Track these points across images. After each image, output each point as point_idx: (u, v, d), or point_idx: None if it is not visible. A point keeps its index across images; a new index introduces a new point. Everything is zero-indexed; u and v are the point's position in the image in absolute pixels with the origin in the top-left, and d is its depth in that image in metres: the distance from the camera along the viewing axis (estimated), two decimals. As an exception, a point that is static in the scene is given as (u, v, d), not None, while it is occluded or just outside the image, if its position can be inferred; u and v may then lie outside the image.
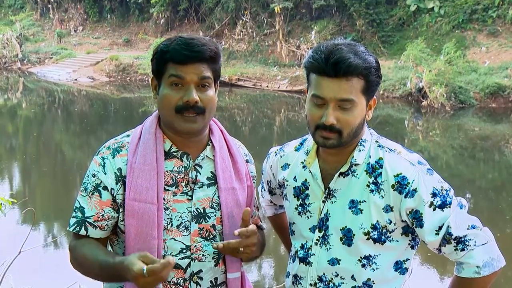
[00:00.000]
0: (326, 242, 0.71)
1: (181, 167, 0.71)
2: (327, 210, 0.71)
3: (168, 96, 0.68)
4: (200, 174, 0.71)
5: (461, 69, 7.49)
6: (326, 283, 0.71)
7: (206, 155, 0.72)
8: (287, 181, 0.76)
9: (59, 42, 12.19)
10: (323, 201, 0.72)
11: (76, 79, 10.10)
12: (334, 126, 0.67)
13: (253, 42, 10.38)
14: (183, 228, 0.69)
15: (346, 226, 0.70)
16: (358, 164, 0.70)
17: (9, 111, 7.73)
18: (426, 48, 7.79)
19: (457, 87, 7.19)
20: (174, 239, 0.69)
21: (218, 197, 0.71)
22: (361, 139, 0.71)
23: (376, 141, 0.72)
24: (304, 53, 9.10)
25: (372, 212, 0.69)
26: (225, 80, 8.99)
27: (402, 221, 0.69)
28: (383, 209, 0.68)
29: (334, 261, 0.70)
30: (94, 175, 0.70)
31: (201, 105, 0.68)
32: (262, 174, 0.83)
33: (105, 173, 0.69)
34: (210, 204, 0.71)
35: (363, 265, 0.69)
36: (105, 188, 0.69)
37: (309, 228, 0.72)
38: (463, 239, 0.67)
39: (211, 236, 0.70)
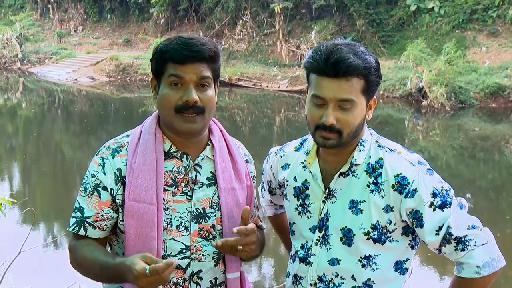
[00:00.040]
0: (326, 242, 0.71)
1: (180, 167, 0.71)
2: (327, 210, 0.71)
3: (168, 96, 0.68)
4: (200, 174, 0.71)
5: (461, 69, 7.49)
6: (326, 283, 0.71)
7: (206, 155, 0.72)
8: (287, 181, 0.76)
9: (59, 42, 12.19)
10: (323, 201, 0.72)
11: (76, 79, 10.10)
12: (334, 126, 0.67)
13: (253, 42, 10.38)
14: (183, 228, 0.69)
15: (346, 226, 0.70)
16: (358, 164, 0.70)
17: (9, 111, 7.73)
18: (426, 48, 7.78)
19: (457, 87, 7.18)
20: (174, 239, 0.69)
21: (218, 197, 0.71)
22: (361, 139, 0.71)
23: (376, 141, 0.72)
24: (304, 53, 9.09)
25: (372, 212, 0.69)
26: (225, 80, 8.99)
27: (402, 221, 0.69)
28: (383, 209, 0.68)
29: (334, 261, 0.70)
30: (93, 175, 0.70)
31: (201, 105, 0.68)
32: (262, 174, 0.83)
33: (105, 173, 0.69)
34: (210, 204, 0.71)
35: (363, 265, 0.69)
36: (105, 188, 0.69)
37: (309, 228, 0.73)
38: (463, 239, 0.67)
39: (211, 236, 0.70)
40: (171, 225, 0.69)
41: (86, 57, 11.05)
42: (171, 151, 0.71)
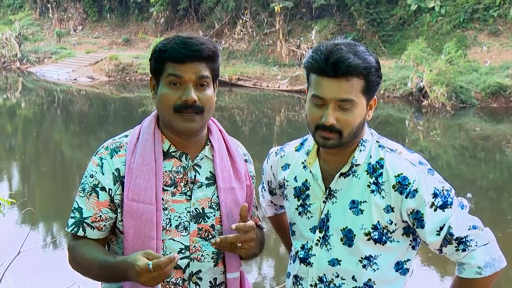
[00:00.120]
0: (326, 243, 0.71)
1: (179, 167, 0.70)
2: (328, 211, 0.71)
3: (167, 95, 0.68)
4: (199, 174, 0.71)
5: (462, 68, 7.48)
6: (327, 283, 0.71)
7: (205, 155, 0.72)
8: (287, 181, 0.76)
9: (58, 42, 12.18)
10: (324, 202, 0.71)
11: (75, 79, 10.09)
12: (334, 127, 0.67)
13: (253, 41, 10.37)
14: (182, 228, 0.69)
15: (346, 227, 0.69)
16: (359, 165, 0.70)
17: (8, 110, 7.73)
18: (427, 47, 7.76)
19: (458, 87, 7.17)
20: (173, 240, 0.68)
21: (217, 197, 0.71)
22: (362, 139, 0.71)
23: (377, 141, 0.72)
24: (305, 53, 9.08)
25: (373, 212, 0.68)
26: (225, 79, 9.00)
27: (403, 221, 0.69)
28: (384, 209, 0.68)
29: (334, 262, 0.70)
30: (92, 176, 0.69)
31: (200, 105, 0.68)
32: (263, 174, 0.83)
33: (103, 174, 0.69)
34: (209, 204, 0.71)
35: (364, 266, 0.69)
36: (103, 188, 0.69)
37: (310, 229, 0.72)
38: (464, 239, 0.67)
39: (210, 236, 0.70)
40: (170, 225, 0.68)
41: (85, 56, 11.04)
42: (170, 151, 0.71)
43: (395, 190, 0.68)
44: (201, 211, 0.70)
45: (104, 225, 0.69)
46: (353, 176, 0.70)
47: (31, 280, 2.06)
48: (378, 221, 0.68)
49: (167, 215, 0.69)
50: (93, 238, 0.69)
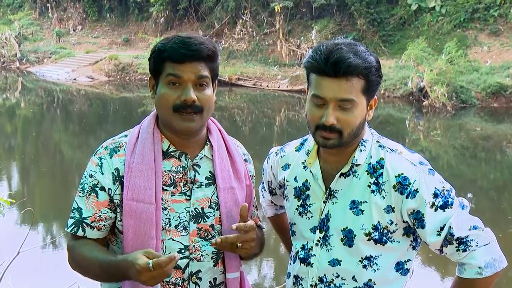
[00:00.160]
0: (326, 243, 0.71)
1: (179, 167, 0.70)
2: (328, 211, 0.71)
3: (166, 95, 0.68)
4: (199, 173, 0.71)
5: (463, 68, 7.46)
6: (327, 284, 0.71)
7: (205, 155, 0.72)
8: (287, 181, 0.76)
9: (58, 42, 12.16)
10: (324, 202, 0.71)
11: (75, 79, 10.09)
12: (334, 126, 0.66)
13: (253, 41, 10.37)
14: (182, 228, 0.69)
15: (347, 227, 0.69)
16: (359, 165, 0.70)
17: (8, 110, 7.71)
18: (427, 47, 7.76)
19: (458, 87, 7.17)
20: (173, 239, 0.68)
21: (217, 196, 0.71)
22: (362, 139, 0.71)
23: (377, 141, 0.72)
24: (305, 53, 9.06)
25: (373, 212, 0.68)
26: (225, 79, 9.01)
27: (404, 221, 0.69)
28: (384, 209, 0.68)
29: (335, 262, 0.70)
30: (91, 176, 0.69)
31: (199, 104, 0.68)
32: (263, 174, 0.83)
33: (102, 173, 0.69)
34: (209, 204, 0.71)
35: (364, 266, 0.69)
36: (102, 188, 0.68)
37: (310, 229, 0.72)
38: (465, 239, 0.67)
39: (210, 236, 0.70)
40: (170, 225, 0.68)
41: (85, 56, 11.03)
42: (170, 150, 0.71)
43: (395, 190, 0.67)
44: (201, 211, 0.70)
45: (104, 225, 0.69)
46: (353, 176, 0.70)
47: (30, 280, 2.06)
48: (379, 221, 0.68)
49: (166, 215, 0.68)
50: (92, 238, 0.68)
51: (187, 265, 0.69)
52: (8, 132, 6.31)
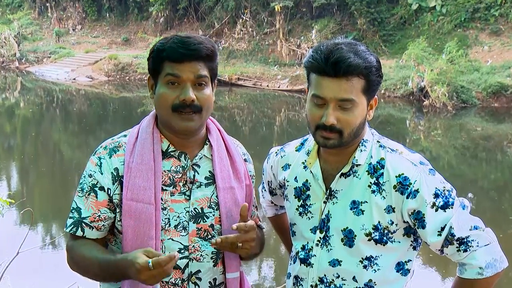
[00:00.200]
0: (327, 243, 0.70)
1: (178, 166, 0.70)
2: (328, 211, 0.71)
3: (165, 94, 0.68)
4: (198, 173, 0.71)
5: (463, 68, 7.45)
6: (327, 284, 0.71)
7: (204, 155, 0.72)
8: (288, 181, 0.76)
9: (57, 41, 12.14)
10: (324, 202, 0.71)
11: (74, 79, 10.07)
12: (335, 126, 0.66)
13: (253, 41, 10.36)
14: (181, 228, 0.69)
15: (347, 227, 0.69)
16: (359, 165, 0.70)
17: (7, 110, 7.71)
18: (427, 47, 7.74)
19: (459, 87, 7.16)
20: (172, 239, 0.68)
21: (217, 196, 0.71)
22: (363, 139, 0.71)
23: (378, 141, 0.71)
24: (305, 52, 9.08)
25: (374, 213, 0.68)
26: (225, 79, 8.99)
27: (404, 222, 0.69)
28: (384, 209, 0.68)
29: (335, 262, 0.70)
30: (90, 175, 0.69)
31: (198, 104, 0.68)
32: (263, 174, 0.83)
33: (102, 173, 0.69)
34: (209, 204, 0.71)
35: (365, 266, 0.69)
36: (102, 188, 0.68)
37: (310, 229, 0.72)
38: (465, 240, 0.67)
39: (210, 236, 0.70)
40: (169, 225, 0.68)
41: (84, 56, 11.01)
42: (169, 150, 0.70)
43: (396, 191, 0.67)
44: (200, 211, 0.70)
45: (103, 225, 0.68)
46: (353, 176, 0.70)
47: (30, 280, 2.07)
48: (379, 222, 0.68)
49: (166, 215, 0.68)
50: (92, 238, 0.68)
51: (187, 265, 0.69)
52: (7, 132, 6.30)
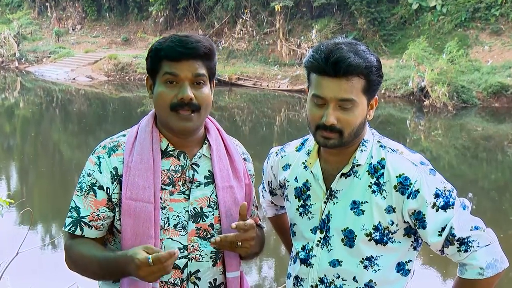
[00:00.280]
0: (327, 243, 0.70)
1: (178, 166, 0.70)
2: (329, 211, 0.70)
3: (163, 93, 0.68)
4: (198, 173, 0.71)
5: (464, 68, 7.45)
6: (328, 284, 0.70)
7: (203, 154, 0.72)
8: (288, 181, 0.75)
9: (57, 41, 12.13)
10: (325, 202, 0.71)
11: (74, 78, 10.06)
12: (335, 126, 0.66)
13: (253, 41, 10.36)
14: (180, 228, 0.68)
15: (347, 227, 0.69)
16: (360, 165, 0.70)
17: (7, 110, 7.70)
18: (428, 47, 7.74)
19: (459, 87, 7.15)
20: (171, 239, 0.68)
21: (216, 196, 0.71)
22: (363, 139, 0.71)
23: (378, 141, 0.71)
24: (305, 52, 9.08)
25: (374, 213, 0.68)
26: (225, 79, 8.99)
27: (405, 222, 0.69)
28: (385, 210, 0.68)
29: (335, 263, 0.70)
30: (89, 175, 0.69)
31: (196, 103, 0.68)
32: (263, 174, 0.83)
33: (101, 172, 0.68)
34: (208, 203, 0.70)
35: (365, 267, 0.69)
36: (101, 187, 0.68)
37: (311, 229, 0.72)
38: (466, 240, 0.67)
39: (209, 236, 0.70)
40: (169, 224, 0.68)
41: (84, 56, 11.00)
42: (168, 150, 0.70)
43: (396, 191, 0.67)
44: (200, 210, 0.70)
45: (102, 224, 0.68)
46: (354, 176, 0.69)
47: (29, 281, 2.05)
48: (379, 222, 0.68)
49: (165, 214, 0.68)
50: (90, 238, 0.68)
51: (186, 265, 0.68)
52: (7, 132, 6.30)
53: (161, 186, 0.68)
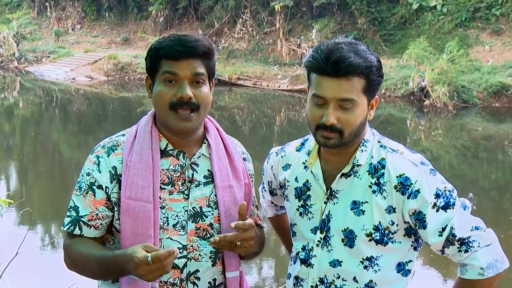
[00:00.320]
0: (327, 244, 0.70)
1: (177, 165, 0.70)
2: (329, 211, 0.70)
3: (162, 92, 0.68)
4: (197, 172, 0.71)
5: (464, 68, 7.44)
6: (328, 285, 0.70)
7: (202, 153, 0.72)
8: (288, 181, 0.75)
9: (56, 41, 12.12)
10: (325, 202, 0.71)
11: (74, 78, 10.06)
12: (335, 126, 0.66)
13: (253, 40, 10.35)
14: (180, 228, 0.68)
15: (348, 227, 0.69)
16: (360, 165, 0.69)
17: (6, 110, 7.69)
18: (428, 46, 7.73)
19: (460, 86, 7.14)
20: (171, 239, 0.68)
21: (215, 195, 0.70)
22: (363, 139, 0.70)
23: (379, 141, 0.71)
24: (305, 52, 9.08)
25: (375, 213, 0.68)
26: (225, 79, 8.99)
27: (405, 222, 0.68)
28: (385, 210, 0.68)
29: (335, 263, 0.70)
30: (88, 174, 0.69)
31: (195, 102, 0.67)
32: (263, 174, 0.82)
33: (100, 172, 0.68)
34: (207, 202, 0.70)
35: (365, 267, 0.69)
36: (100, 187, 0.68)
37: (311, 229, 0.72)
38: (466, 240, 0.67)
39: (208, 235, 0.69)
40: (168, 224, 0.68)
41: (84, 56, 10.99)
42: (167, 149, 0.70)
43: (396, 191, 0.67)
44: (199, 210, 0.69)
45: (101, 223, 0.68)
46: (354, 176, 0.69)
47: (29, 281, 2.05)
48: (380, 222, 0.68)
49: (164, 213, 0.68)
50: (89, 237, 0.68)
51: (185, 264, 0.68)
52: (6, 132, 6.29)
53: (160, 186, 0.68)
